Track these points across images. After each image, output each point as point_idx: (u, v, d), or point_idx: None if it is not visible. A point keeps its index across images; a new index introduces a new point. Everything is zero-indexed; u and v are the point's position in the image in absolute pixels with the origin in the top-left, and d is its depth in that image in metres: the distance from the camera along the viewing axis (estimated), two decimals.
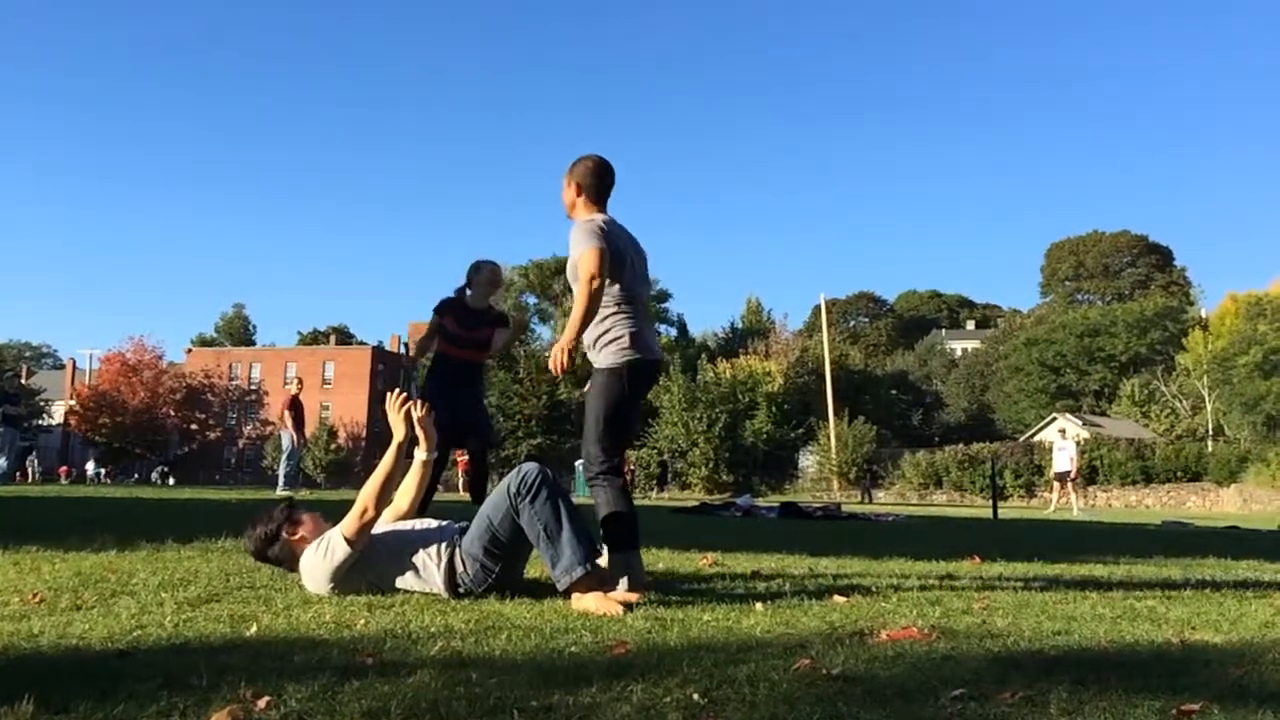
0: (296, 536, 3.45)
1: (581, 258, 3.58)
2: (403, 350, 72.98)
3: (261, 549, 3.52)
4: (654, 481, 41.26)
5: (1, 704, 1.74)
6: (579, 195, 3.77)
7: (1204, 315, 56.80)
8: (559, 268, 53.94)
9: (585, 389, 3.72)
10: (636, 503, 3.83)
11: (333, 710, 1.78)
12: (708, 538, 6.44)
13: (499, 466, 44.24)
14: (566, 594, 3.23)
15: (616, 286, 3.64)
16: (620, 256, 3.65)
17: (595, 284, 3.53)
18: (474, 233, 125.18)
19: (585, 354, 3.81)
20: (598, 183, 3.77)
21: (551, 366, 3.57)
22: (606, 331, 3.66)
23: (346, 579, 3.32)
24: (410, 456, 3.59)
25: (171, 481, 46.59)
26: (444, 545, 3.36)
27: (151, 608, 2.94)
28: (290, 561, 3.47)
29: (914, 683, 2.06)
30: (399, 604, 3.10)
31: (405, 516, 3.63)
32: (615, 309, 3.65)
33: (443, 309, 6.56)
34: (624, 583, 3.41)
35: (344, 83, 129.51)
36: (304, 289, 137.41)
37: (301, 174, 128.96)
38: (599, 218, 3.72)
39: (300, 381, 16.80)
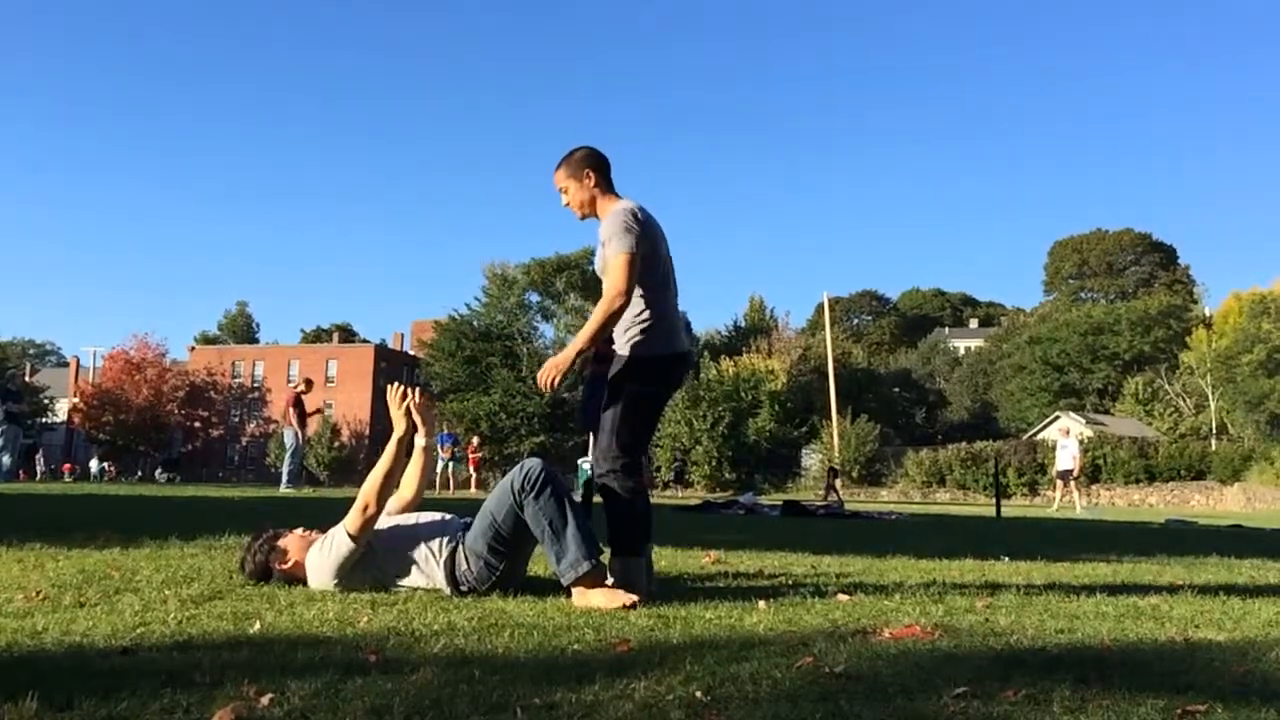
0: (288, 565, 3.42)
1: (611, 264, 3.35)
2: (405, 348, 73.07)
3: (261, 580, 3.48)
4: (672, 477, 41.05)
5: (5, 701, 1.74)
6: (596, 185, 3.53)
7: (1208, 313, 56.69)
8: (560, 265, 53.83)
9: (587, 371, 3.52)
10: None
11: (336, 707, 1.78)
12: (710, 536, 6.44)
13: (501, 464, 44.28)
14: (571, 590, 3.23)
15: (649, 274, 3.42)
16: (654, 242, 3.45)
17: (620, 302, 3.32)
18: (476, 231, 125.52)
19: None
20: (607, 167, 3.57)
21: (540, 383, 3.36)
22: (635, 320, 3.44)
23: (351, 575, 3.32)
24: (411, 450, 3.59)
25: (177, 479, 46.63)
26: (446, 540, 3.36)
27: (155, 605, 2.95)
28: (294, 581, 3.44)
29: (917, 681, 2.06)
30: (402, 601, 3.10)
31: (410, 505, 3.63)
32: (647, 296, 3.43)
33: None
34: (610, 583, 3.29)
35: (347, 80, 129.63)
36: (307, 287, 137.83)
37: (304, 172, 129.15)
38: (631, 204, 3.48)
39: (309, 382, 16.79)
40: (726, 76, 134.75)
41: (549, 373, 3.35)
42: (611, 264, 3.36)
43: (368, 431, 63.02)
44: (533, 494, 3.25)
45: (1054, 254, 79.97)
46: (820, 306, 59.29)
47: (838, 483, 31.61)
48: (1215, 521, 14.85)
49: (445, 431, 26.17)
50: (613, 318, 3.36)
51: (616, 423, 3.42)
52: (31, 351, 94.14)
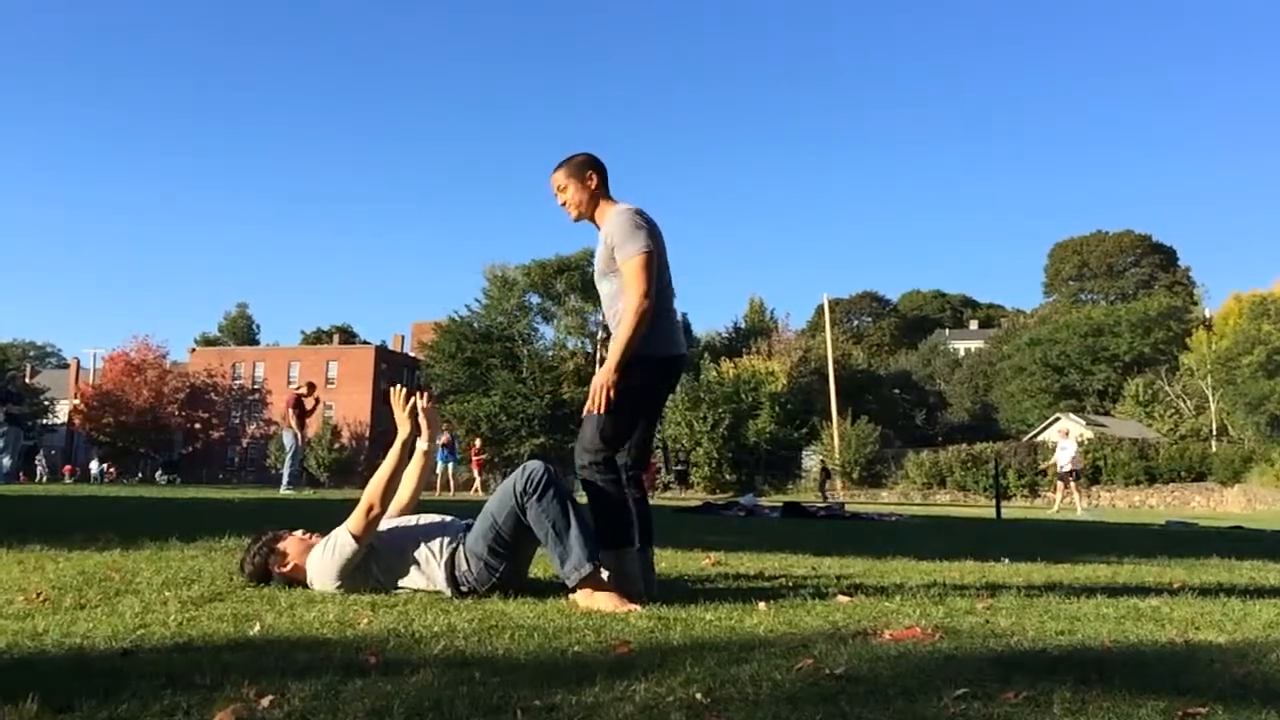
0: (287, 567, 3.42)
1: (629, 267, 3.35)
2: (405, 350, 73.08)
3: (260, 582, 3.48)
4: (672, 478, 41.05)
5: (6, 703, 1.74)
6: (597, 188, 3.53)
7: (1208, 315, 56.67)
8: (560, 266, 53.82)
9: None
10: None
11: (336, 709, 1.78)
12: (711, 537, 6.44)
13: (502, 466, 44.29)
14: (575, 591, 3.22)
15: None
16: (658, 242, 3.44)
17: (646, 304, 3.31)
18: (476, 232, 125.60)
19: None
20: (606, 173, 3.58)
21: (591, 407, 3.33)
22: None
23: (354, 576, 3.32)
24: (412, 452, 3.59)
25: (177, 481, 46.66)
26: (447, 541, 3.36)
27: (155, 607, 2.95)
28: (293, 583, 3.44)
29: (917, 682, 2.06)
30: (402, 603, 3.10)
31: (406, 507, 3.63)
32: None
33: None
34: (604, 575, 3.28)
35: (347, 81, 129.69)
36: (307, 289, 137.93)
37: (305, 173, 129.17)
38: (632, 206, 3.49)
39: (311, 385, 16.76)
40: (727, 76, 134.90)
41: (599, 395, 3.33)
42: (629, 267, 3.35)
43: (368, 433, 63.05)
44: (535, 496, 3.25)
45: (1054, 255, 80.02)
46: (820, 308, 59.34)
47: (832, 484, 31.64)
48: (1216, 523, 14.84)
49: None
50: (644, 320, 3.33)
51: (600, 417, 3.38)
52: (32, 353, 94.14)
